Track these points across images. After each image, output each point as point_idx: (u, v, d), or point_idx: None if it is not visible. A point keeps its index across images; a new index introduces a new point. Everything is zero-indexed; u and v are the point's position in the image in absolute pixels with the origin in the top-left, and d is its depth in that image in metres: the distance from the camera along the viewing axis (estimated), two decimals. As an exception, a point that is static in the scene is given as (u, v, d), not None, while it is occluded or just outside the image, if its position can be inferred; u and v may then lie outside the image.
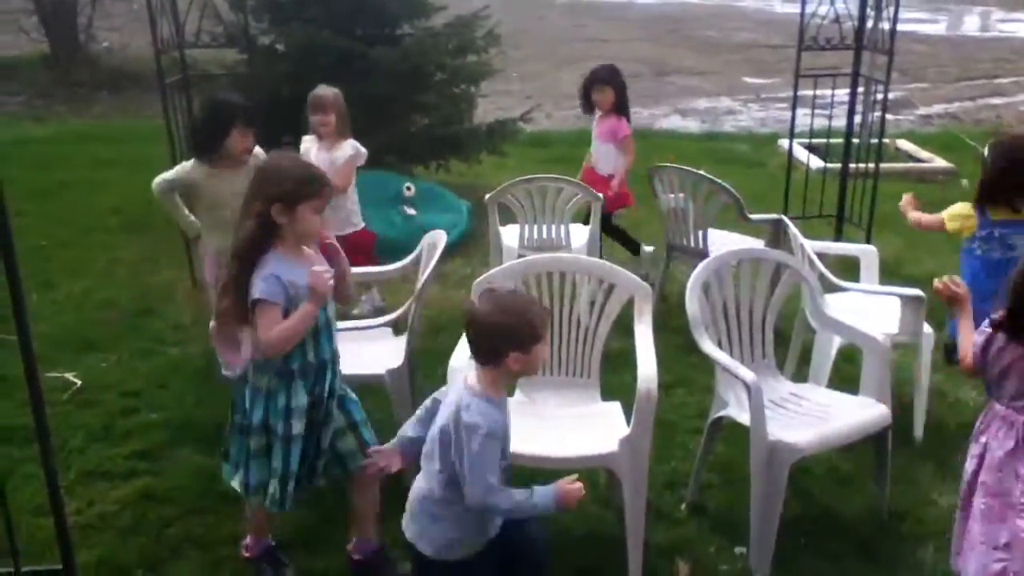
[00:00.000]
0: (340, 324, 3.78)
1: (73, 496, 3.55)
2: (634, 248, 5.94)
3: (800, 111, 6.21)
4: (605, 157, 5.81)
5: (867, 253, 4.79)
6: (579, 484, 2.55)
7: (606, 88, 5.72)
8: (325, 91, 4.88)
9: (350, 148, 4.83)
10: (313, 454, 2.96)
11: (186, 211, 4.36)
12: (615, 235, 5.93)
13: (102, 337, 5.03)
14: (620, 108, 5.76)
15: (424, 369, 4.32)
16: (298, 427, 2.87)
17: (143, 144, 8.07)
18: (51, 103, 12.12)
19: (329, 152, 4.82)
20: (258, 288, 2.72)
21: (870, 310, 4.18)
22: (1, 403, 4.26)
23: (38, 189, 7.67)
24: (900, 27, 5.79)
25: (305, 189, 2.77)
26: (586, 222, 5.46)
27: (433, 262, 3.82)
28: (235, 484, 3.04)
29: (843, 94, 6.11)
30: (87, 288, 5.73)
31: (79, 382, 4.50)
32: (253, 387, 2.91)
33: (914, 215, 4.39)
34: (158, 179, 4.21)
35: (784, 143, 8.56)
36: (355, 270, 4.90)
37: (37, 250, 6.32)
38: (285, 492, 2.89)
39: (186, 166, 4.23)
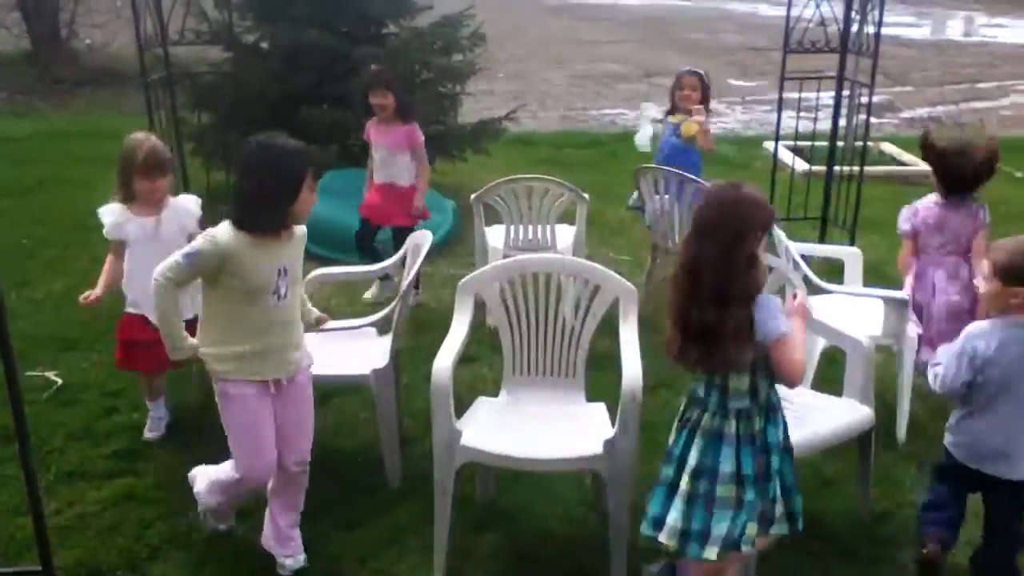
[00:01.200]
0: (326, 324, 3.78)
1: (53, 496, 3.52)
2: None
3: (785, 114, 6.23)
4: (401, 169, 5.33)
5: (851, 255, 4.80)
6: None
7: (387, 92, 5.20)
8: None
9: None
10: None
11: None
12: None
13: (83, 336, 4.98)
14: (405, 113, 5.28)
15: (409, 369, 4.32)
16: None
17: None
18: (32, 100, 12.01)
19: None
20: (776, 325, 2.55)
21: (853, 312, 4.19)
22: (-20, 402, 4.21)
23: (18, 186, 7.60)
24: (884, 31, 5.82)
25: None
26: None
27: (418, 263, 3.81)
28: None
29: (828, 97, 6.13)
30: (68, 287, 5.66)
31: (60, 380, 4.46)
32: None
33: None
34: (167, 271, 2.87)
35: (769, 145, 8.59)
36: (345, 269, 4.94)
37: (17, 248, 6.25)
38: None
39: (218, 238, 2.88)
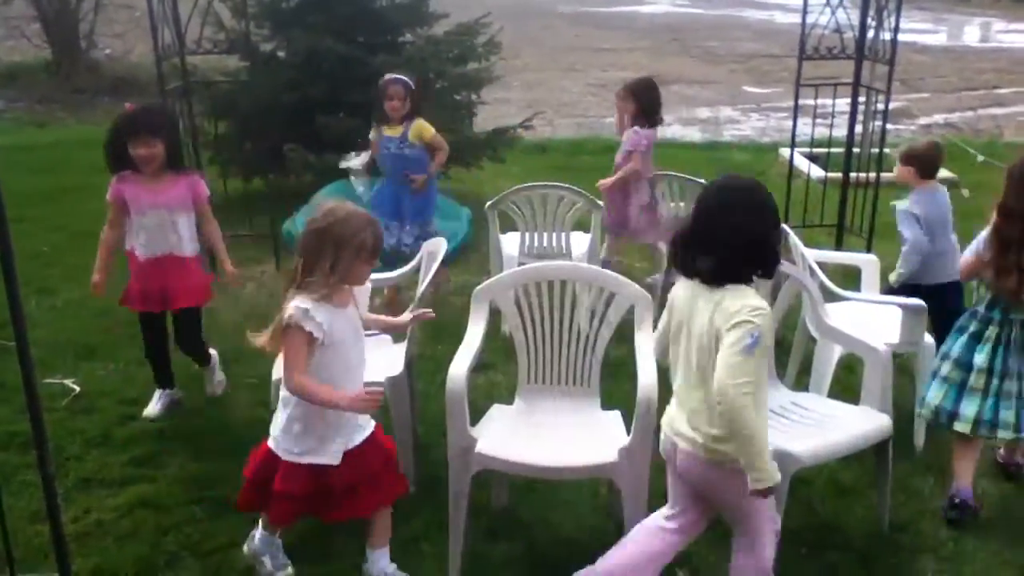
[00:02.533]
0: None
1: (70, 503, 3.54)
2: None
3: (801, 120, 6.22)
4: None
5: (868, 262, 4.78)
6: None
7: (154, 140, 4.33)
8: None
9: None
10: None
11: None
12: None
13: (101, 344, 5.02)
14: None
15: (424, 376, 4.32)
16: None
17: (144, 150, 8.08)
18: (53, 109, 12.13)
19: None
20: None
21: (871, 320, 4.17)
22: (0, 409, 4.25)
23: (39, 194, 7.67)
24: (900, 37, 5.80)
25: None
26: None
27: (433, 270, 3.82)
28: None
29: (844, 104, 6.11)
30: (87, 294, 5.65)
31: (78, 388, 4.49)
32: None
33: None
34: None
35: (785, 152, 8.56)
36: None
37: (37, 256, 6.32)
38: None
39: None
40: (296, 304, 2.81)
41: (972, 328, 3.54)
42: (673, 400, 2.85)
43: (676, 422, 2.81)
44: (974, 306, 3.57)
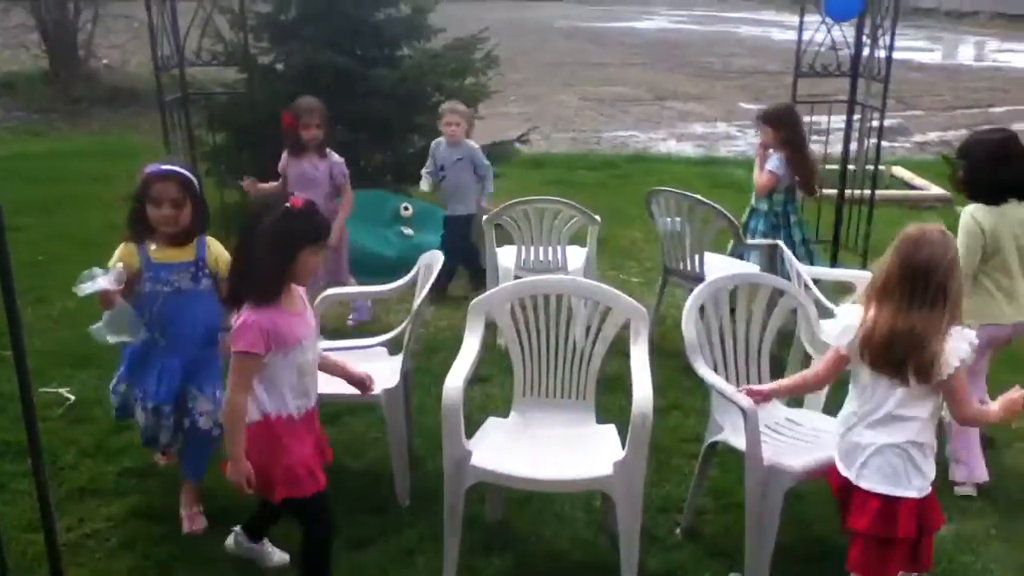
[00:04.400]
0: (336, 344, 3.79)
1: (64, 512, 3.53)
2: None
3: (797, 137, 6.23)
4: None
5: (862, 279, 4.77)
6: None
7: None
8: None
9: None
10: None
11: None
12: None
13: (96, 354, 4.99)
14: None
15: (420, 389, 4.32)
16: None
17: (141, 161, 8.09)
18: (50, 118, 12.15)
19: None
20: None
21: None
22: (-6, 418, 4.24)
23: (35, 204, 7.67)
24: (896, 55, 5.83)
25: None
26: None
27: (429, 283, 3.83)
28: None
29: (839, 121, 6.15)
30: (83, 304, 5.64)
31: (73, 397, 4.48)
32: None
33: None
34: None
35: (780, 169, 8.58)
36: (356, 289, 4.98)
37: (33, 265, 6.31)
38: None
39: None
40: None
41: None
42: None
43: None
44: None
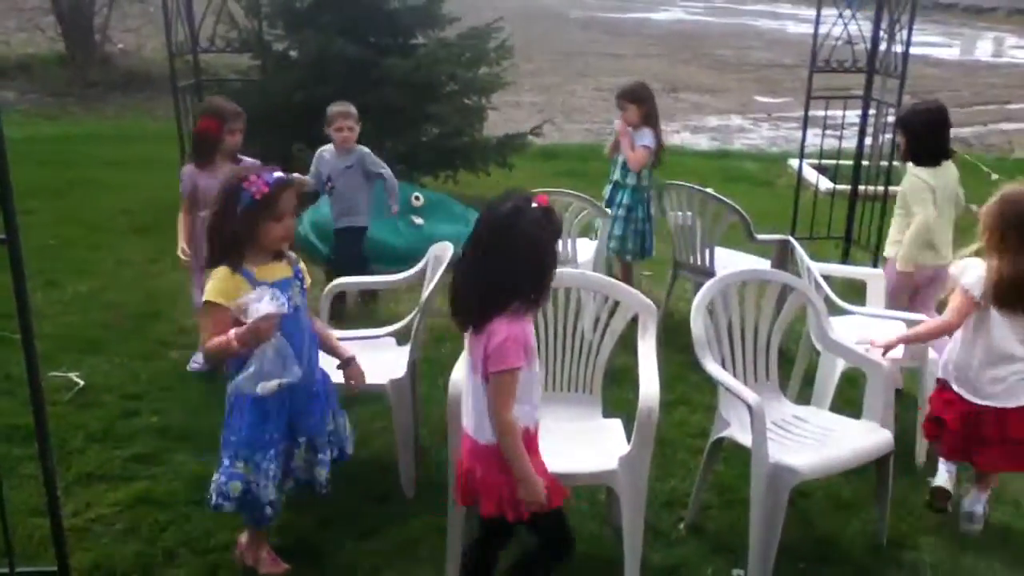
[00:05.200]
0: (345, 333, 3.79)
1: (71, 497, 3.55)
2: None
3: (811, 131, 6.21)
4: None
5: (874, 277, 4.77)
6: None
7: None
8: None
9: None
10: None
11: None
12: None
13: (106, 338, 5.04)
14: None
15: (426, 380, 4.33)
16: None
17: (154, 146, 8.12)
18: (65, 102, 12.19)
19: None
20: None
21: (875, 334, 4.15)
22: (4, 401, 4.27)
23: (48, 188, 7.70)
24: (913, 51, 5.79)
25: None
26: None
27: (439, 275, 3.82)
28: None
29: (854, 116, 6.11)
30: (93, 289, 5.74)
31: (82, 382, 4.50)
32: None
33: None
34: None
35: (794, 163, 8.56)
36: (363, 279, 4.97)
37: (44, 249, 6.34)
38: None
39: None
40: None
41: None
42: None
43: None
44: None
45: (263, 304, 2.69)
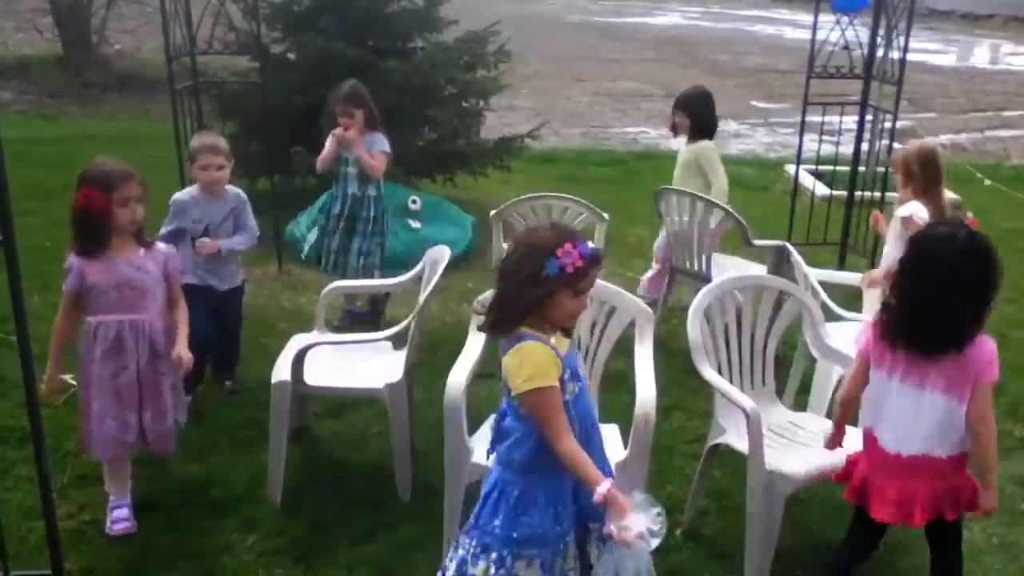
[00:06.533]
0: (341, 337, 3.79)
1: (66, 499, 3.54)
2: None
3: (807, 137, 6.22)
4: None
5: (869, 282, 4.76)
6: None
7: None
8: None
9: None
10: None
11: None
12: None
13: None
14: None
15: (423, 384, 4.32)
16: None
17: (152, 147, 8.07)
18: (62, 103, 12.16)
19: None
20: None
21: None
22: (0, 403, 4.25)
23: (44, 190, 7.66)
24: (910, 57, 5.80)
25: None
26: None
27: (435, 279, 3.82)
28: None
29: (851, 122, 6.12)
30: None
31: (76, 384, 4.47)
32: None
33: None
34: None
35: (790, 168, 8.56)
36: (361, 282, 4.96)
37: (40, 251, 6.30)
38: None
39: None
40: None
41: None
42: None
43: None
44: None
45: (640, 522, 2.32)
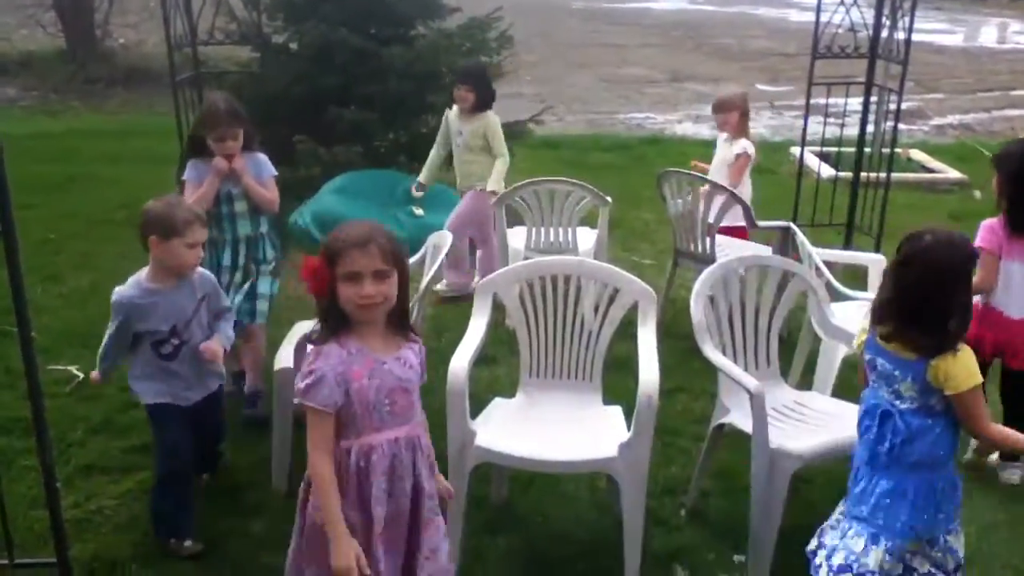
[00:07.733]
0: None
1: (71, 489, 3.55)
2: None
3: (813, 119, 6.18)
4: None
5: (876, 262, 4.75)
6: None
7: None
8: None
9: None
10: None
11: None
12: None
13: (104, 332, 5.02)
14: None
15: (426, 368, 4.31)
16: None
17: (155, 140, 8.10)
18: (66, 98, 12.18)
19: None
20: None
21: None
22: (5, 394, 4.27)
23: (48, 183, 7.70)
24: (916, 37, 5.75)
25: None
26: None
27: (437, 263, 3.81)
28: None
29: (856, 103, 6.07)
30: (94, 282, 5.72)
31: (81, 375, 4.50)
32: None
33: None
34: None
35: (796, 150, 8.52)
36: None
37: (45, 243, 6.34)
38: None
39: None
40: None
41: None
42: None
43: None
44: None
45: None
